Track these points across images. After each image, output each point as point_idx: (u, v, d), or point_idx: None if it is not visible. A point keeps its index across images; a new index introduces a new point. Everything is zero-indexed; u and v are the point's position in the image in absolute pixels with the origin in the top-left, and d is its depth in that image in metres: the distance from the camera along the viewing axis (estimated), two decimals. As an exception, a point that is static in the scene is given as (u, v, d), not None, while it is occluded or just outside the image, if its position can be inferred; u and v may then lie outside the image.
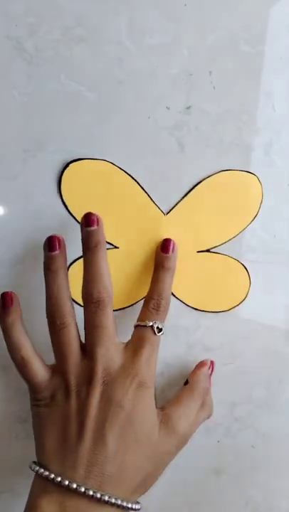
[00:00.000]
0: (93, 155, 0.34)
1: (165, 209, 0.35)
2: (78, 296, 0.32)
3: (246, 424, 0.37)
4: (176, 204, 0.35)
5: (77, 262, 0.34)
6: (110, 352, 0.30)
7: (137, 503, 0.29)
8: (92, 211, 0.31)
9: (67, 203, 0.33)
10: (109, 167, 0.33)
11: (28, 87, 0.33)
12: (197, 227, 0.35)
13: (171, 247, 0.33)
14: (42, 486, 0.28)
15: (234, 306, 0.36)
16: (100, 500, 0.27)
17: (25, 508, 0.28)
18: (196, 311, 0.36)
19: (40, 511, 0.26)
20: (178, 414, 0.31)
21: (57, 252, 0.31)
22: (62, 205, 0.34)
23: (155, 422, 0.30)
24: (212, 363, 0.35)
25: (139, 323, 0.31)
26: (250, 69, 0.35)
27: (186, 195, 0.35)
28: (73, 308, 0.31)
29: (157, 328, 0.31)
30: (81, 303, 0.31)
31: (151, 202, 0.34)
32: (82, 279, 0.31)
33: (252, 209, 0.36)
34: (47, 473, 0.27)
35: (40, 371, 0.30)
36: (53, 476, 0.27)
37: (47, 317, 0.31)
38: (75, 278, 0.32)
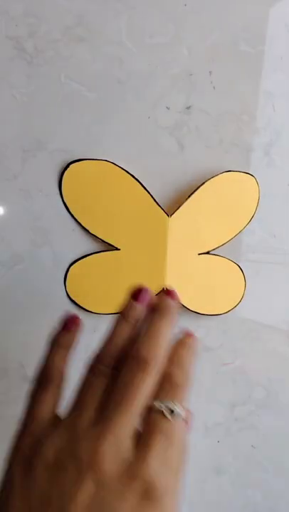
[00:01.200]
0: (93, 155, 0.34)
1: (166, 209, 0.35)
2: (76, 296, 0.31)
3: (246, 424, 0.37)
4: (180, 206, 0.35)
5: (77, 262, 0.34)
6: (125, 430, 0.22)
7: None
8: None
9: (67, 204, 0.33)
10: (111, 167, 0.33)
11: (28, 87, 0.33)
12: (199, 229, 0.35)
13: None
14: None
15: (231, 309, 0.36)
16: None
17: None
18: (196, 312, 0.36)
19: None
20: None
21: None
22: (63, 206, 0.34)
23: None
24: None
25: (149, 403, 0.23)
26: (250, 69, 0.35)
27: (189, 196, 0.35)
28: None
29: (170, 410, 0.22)
30: (79, 303, 0.31)
31: (155, 203, 0.34)
32: (82, 279, 0.31)
33: (250, 210, 0.36)
34: None
35: (50, 407, 0.24)
36: None
37: (92, 356, 0.25)
38: (75, 278, 0.32)
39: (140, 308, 0.26)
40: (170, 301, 0.26)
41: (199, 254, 0.35)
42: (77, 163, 0.33)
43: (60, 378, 0.25)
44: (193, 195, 0.35)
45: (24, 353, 0.34)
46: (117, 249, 0.34)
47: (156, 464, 0.21)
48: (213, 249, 0.36)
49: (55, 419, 0.24)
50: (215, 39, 0.34)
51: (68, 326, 0.27)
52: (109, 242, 0.33)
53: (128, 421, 0.22)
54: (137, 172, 0.34)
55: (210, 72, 0.34)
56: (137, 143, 0.34)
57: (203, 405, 0.36)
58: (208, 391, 0.36)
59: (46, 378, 0.25)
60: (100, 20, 0.33)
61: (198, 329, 0.36)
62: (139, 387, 0.22)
